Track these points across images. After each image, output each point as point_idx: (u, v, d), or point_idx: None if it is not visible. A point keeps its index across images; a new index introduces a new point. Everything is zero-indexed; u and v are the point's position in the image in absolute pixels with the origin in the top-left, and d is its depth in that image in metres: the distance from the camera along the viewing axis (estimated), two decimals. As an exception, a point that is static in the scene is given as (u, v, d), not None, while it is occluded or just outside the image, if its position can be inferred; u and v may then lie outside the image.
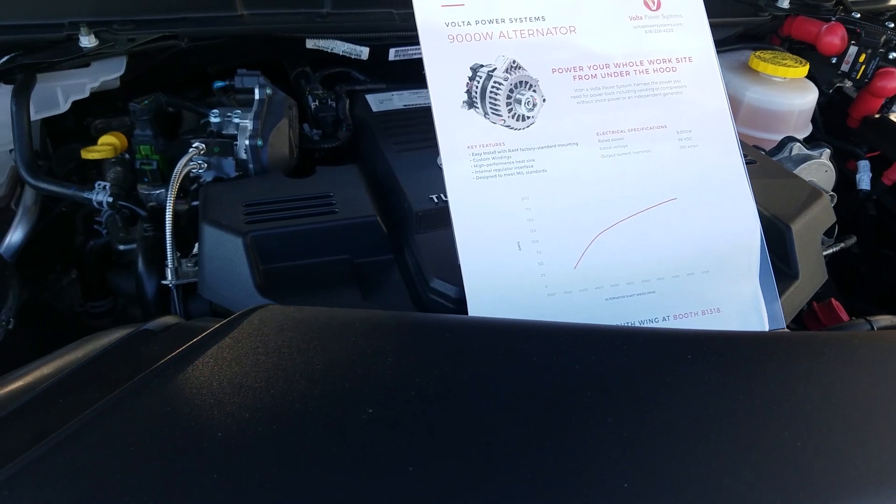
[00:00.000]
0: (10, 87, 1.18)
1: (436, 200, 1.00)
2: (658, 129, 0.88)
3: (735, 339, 0.58)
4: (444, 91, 0.84)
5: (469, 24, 0.86)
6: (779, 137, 1.39)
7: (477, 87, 0.85)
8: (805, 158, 1.26)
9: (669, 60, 0.90)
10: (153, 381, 0.44)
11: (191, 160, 1.03)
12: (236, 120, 1.10)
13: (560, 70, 0.87)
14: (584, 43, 0.89)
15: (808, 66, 1.49)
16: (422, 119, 1.27)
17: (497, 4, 0.87)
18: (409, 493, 0.39)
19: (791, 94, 1.47)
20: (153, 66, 1.37)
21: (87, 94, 1.29)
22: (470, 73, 0.85)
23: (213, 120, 1.11)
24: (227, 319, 0.53)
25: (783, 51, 1.64)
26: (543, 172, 0.84)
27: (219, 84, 1.26)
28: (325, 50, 1.41)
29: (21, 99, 1.17)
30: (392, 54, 1.44)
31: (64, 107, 1.27)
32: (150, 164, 1.18)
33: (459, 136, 0.83)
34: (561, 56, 0.88)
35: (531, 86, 0.86)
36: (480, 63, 0.85)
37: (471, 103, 0.84)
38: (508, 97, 0.85)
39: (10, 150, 1.29)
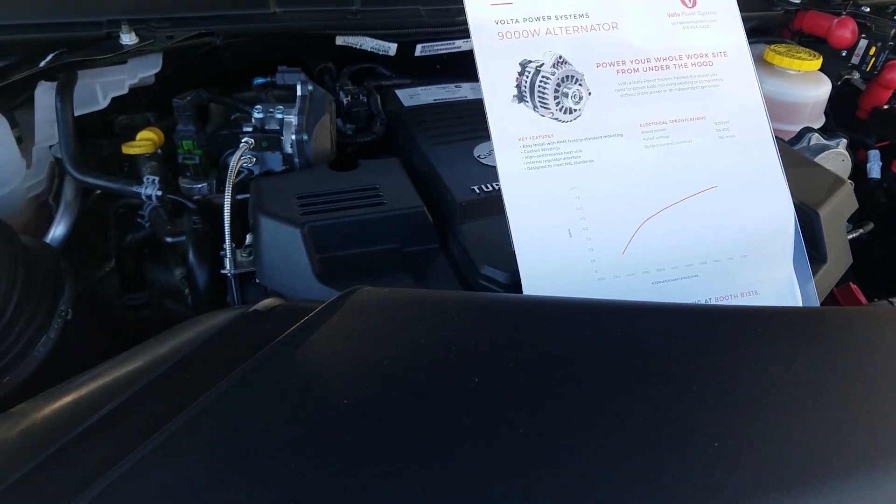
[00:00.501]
0: (48, 85, 1.21)
1: (477, 192, 1.04)
2: (697, 121, 0.92)
3: (795, 314, 0.62)
4: (495, 86, 0.88)
5: (517, 21, 0.90)
6: (794, 128, 1.44)
7: (526, 82, 0.89)
8: (823, 148, 1.31)
9: (706, 55, 0.95)
10: (277, 355, 0.48)
11: (242, 155, 1.06)
12: (280, 116, 1.13)
13: (604, 64, 0.91)
14: (626, 38, 0.93)
15: (821, 60, 1.54)
16: (454, 113, 1.31)
17: (543, 3, 0.91)
18: (524, 451, 0.43)
19: (806, 87, 1.52)
20: (183, 64, 1.40)
21: (125, 91, 1.32)
22: (519, 69, 0.89)
23: (257, 116, 1.14)
24: (330, 300, 0.57)
25: (795, 44, 1.69)
26: (591, 163, 0.88)
27: (259, 80, 1.29)
28: (354, 46, 1.44)
29: (65, 96, 1.20)
30: (419, 50, 1.47)
31: (103, 103, 1.30)
32: (192, 159, 1.21)
33: (511, 128, 0.87)
34: (604, 51, 0.92)
35: (577, 80, 0.90)
36: (529, 59, 0.89)
37: (520, 97, 0.88)
38: (556, 91, 0.89)
39: (50, 146, 1.32)
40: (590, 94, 0.90)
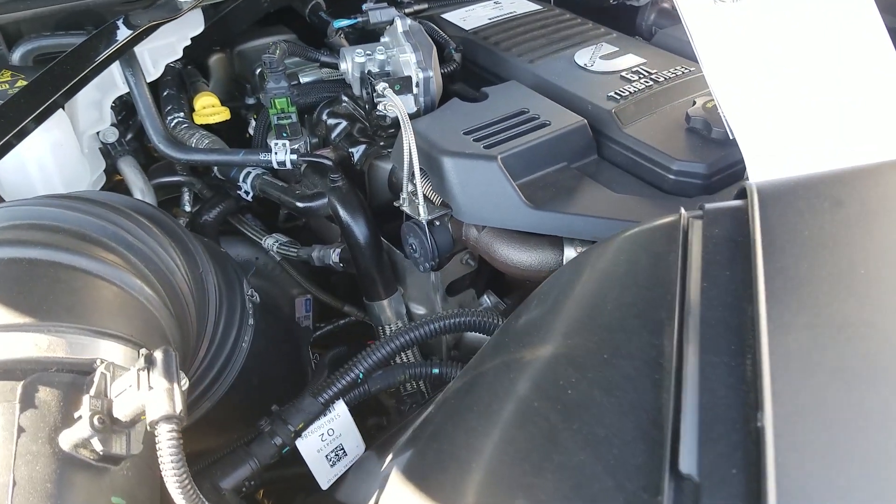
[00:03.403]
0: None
1: (616, 97, 1.08)
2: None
3: None
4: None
5: None
6: None
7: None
8: None
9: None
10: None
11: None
12: (403, 55, 1.08)
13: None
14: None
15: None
16: (523, 28, 1.32)
17: None
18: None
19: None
20: (217, 20, 1.28)
21: (179, 55, 1.19)
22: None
23: (379, 57, 1.09)
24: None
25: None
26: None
27: (341, 23, 1.21)
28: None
29: (136, 67, 1.07)
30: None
31: (156, 73, 1.17)
32: (287, 118, 1.14)
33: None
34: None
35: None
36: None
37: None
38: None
39: (98, 132, 1.18)
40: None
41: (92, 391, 0.56)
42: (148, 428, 0.54)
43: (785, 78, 0.88)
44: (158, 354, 0.56)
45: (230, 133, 1.37)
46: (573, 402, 0.48)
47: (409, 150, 0.95)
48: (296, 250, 1.19)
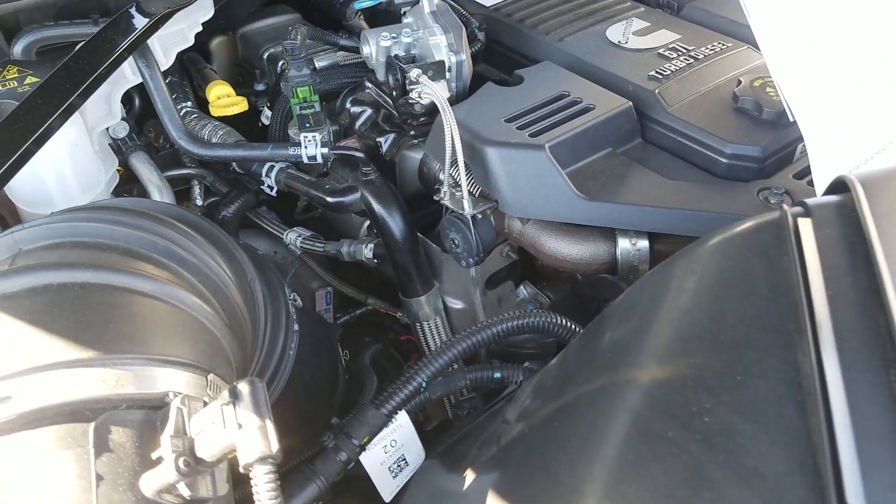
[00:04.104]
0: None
1: (657, 76, 1.04)
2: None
3: None
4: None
5: None
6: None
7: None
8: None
9: None
10: None
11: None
12: (430, 37, 1.02)
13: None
14: None
15: None
16: (546, 4, 1.26)
17: None
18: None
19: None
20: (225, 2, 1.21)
21: (192, 42, 1.12)
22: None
23: (405, 40, 1.03)
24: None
25: None
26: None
27: (362, 4, 1.14)
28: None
29: (150, 59, 1.00)
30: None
31: (167, 63, 1.10)
32: (310, 107, 1.08)
33: None
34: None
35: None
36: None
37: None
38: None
39: (108, 128, 1.11)
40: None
41: (171, 429, 0.51)
42: (241, 470, 0.49)
43: (847, 59, 0.84)
44: (244, 387, 0.51)
45: (237, 121, 1.30)
46: (713, 430, 0.45)
47: (453, 141, 0.90)
48: (322, 245, 1.14)
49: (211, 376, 0.59)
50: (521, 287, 1.16)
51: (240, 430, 0.49)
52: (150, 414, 0.54)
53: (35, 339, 0.53)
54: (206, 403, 0.55)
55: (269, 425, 0.50)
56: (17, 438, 0.50)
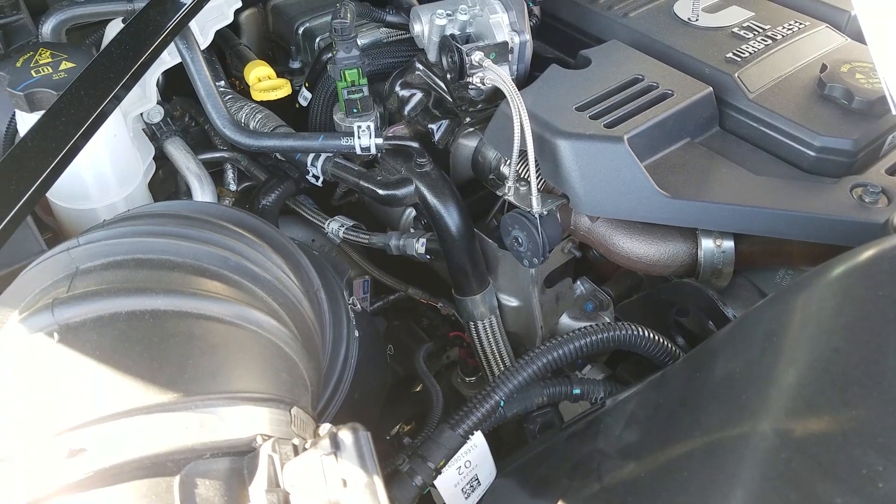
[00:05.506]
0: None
1: (735, 58, 0.96)
2: None
3: None
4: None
5: None
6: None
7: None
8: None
9: None
10: None
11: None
12: (491, 16, 0.94)
13: None
14: None
15: None
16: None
17: None
18: None
19: None
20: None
21: (231, 20, 1.04)
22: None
23: (461, 18, 0.95)
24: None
25: None
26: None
27: None
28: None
29: (192, 41, 0.93)
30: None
31: (204, 42, 1.02)
32: (359, 92, 1.00)
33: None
34: None
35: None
36: None
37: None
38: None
39: (141, 114, 1.04)
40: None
41: (262, 481, 0.46)
42: (349, 533, 0.44)
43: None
44: (347, 436, 0.46)
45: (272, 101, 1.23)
46: (890, 499, 0.39)
47: (524, 134, 0.83)
48: (367, 237, 1.08)
49: (294, 409, 0.54)
50: (579, 283, 1.10)
51: (345, 489, 0.44)
52: (236, 461, 0.48)
53: (107, 379, 0.48)
54: (295, 447, 0.49)
55: (378, 483, 0.44)
56: (96, 497, 0.44)
